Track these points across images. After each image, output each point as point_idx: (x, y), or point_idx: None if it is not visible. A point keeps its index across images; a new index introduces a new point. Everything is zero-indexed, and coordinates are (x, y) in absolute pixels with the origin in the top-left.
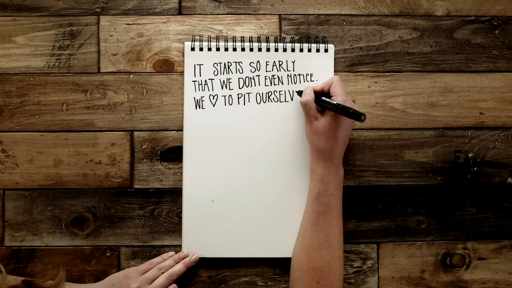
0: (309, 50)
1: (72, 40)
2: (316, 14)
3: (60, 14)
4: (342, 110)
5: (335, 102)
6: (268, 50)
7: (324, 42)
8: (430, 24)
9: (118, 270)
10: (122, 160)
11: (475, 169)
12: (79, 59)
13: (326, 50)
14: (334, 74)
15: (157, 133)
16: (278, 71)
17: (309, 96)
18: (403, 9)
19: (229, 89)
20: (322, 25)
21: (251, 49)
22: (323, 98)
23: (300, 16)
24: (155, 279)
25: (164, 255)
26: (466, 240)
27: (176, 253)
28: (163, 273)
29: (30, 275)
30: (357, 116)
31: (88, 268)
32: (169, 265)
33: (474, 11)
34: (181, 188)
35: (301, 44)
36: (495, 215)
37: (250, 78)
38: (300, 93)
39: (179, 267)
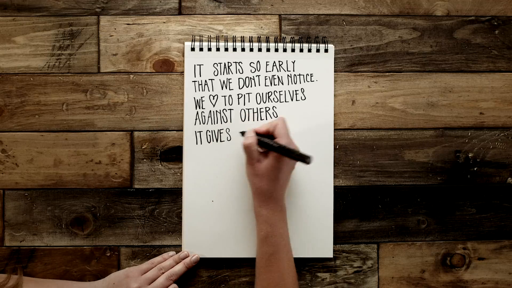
0: (309, 50)
1: (72, 40)
2: (316, 14)
3: (60, 14)
4: (287, 152)
5: (278, 144)
6: (268, 50)
7: (324, 42)
8: (430, 24)
9: (118, 270)
10: (122, 160)
11: (475, 169)
12: (79, 59)
13: (326, 50)
14: (334, 74)
15: (157, 133)
16: (278, 71)
17: (251, 139)
18: (403, 9)
19: (229, 89)
20: (322, 25)
21: (251, 49)
22: (266, 140)
23: (300, 16)
24: (155, 279)
25: (165, 255)
26: (466, 240)
27: (176, 253)
28: (163, 273)
29: (30, 275)
30: (303, 158)
31: (88, 268)
32: (169, 265)
33: (474, 11)
34: (181, 188)
35: (301, 44)
36: (495, 215)
37: (250, 78)
38: (243, 133)
39: (179, 267)
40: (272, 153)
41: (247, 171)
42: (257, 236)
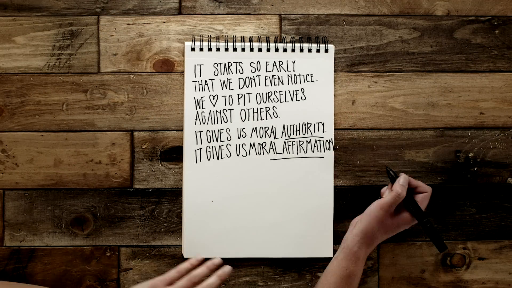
0: (309, 50)
1: (72, 40)
2: (316, 14)
3: (60, 14)
4: (428, 231)
5: (427, 222)
6: (268, 50)
7: (324, 42)
8: (430, 24)
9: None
10: (122, 160)
11: (475, 169)
12: (79, 59)
13: (326, 50)
14: (334, 74)
15: (157, 133)
16: (278, 71)
17: (405, 193)
18: (403, 9)
19: (229, 89)
20: (322, 25)
21: (251, 49)
22: (418, 208)
23: (300, 16)
24: None
25: (193, 261)
26: (466, 240)
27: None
28: (194, 283)
29: (30, 275)
30: (441, 246)
31: (88, 268)
32: (201, 273)
33: (474, 11)
34: (181, 188)
35: (301, 44)
36: (495, 215)
37: (250, 78)
38: (395, 174)
39: (212, 280)
40: (407, 215)
41: (374, 208)
42: (337, 271)
